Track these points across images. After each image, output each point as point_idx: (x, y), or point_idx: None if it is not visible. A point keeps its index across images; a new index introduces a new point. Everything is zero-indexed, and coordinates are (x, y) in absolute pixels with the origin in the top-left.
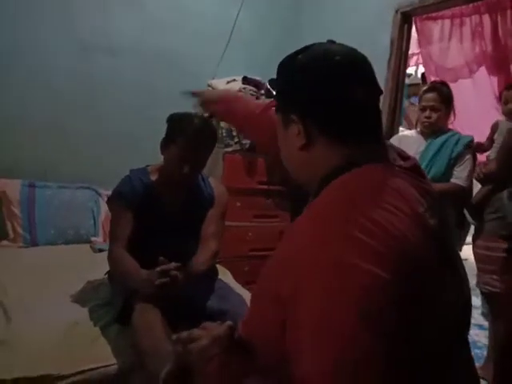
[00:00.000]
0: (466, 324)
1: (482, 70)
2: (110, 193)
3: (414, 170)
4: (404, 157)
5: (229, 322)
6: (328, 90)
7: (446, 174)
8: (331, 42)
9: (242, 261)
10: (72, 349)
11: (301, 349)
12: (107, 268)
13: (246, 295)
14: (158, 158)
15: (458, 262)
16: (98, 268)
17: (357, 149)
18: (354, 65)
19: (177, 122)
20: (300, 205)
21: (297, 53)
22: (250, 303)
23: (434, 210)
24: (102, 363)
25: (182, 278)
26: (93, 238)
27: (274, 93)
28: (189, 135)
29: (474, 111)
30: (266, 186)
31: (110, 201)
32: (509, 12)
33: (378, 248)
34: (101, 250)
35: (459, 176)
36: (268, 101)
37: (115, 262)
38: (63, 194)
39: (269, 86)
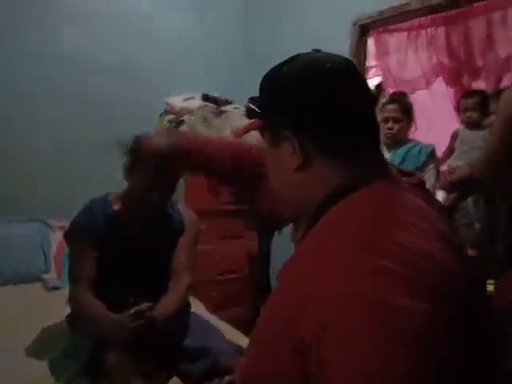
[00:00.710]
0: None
1: (439, 81)
2: (61, 224)
3: (421, 187)
4: (404, 172)
5: (228, 378)
6: (323, 100)
7: None
8: (316, 50)
9: (210, 286)
10: None
11: None
12: (62, 309)
13: (222, 327)
14: (118, 183)
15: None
16: (53, 309)
17: (360, 164)
18: (346, 72)
19: (139, 145)
20: (270, 222)
21: (282, 64)
22: (251, 351)
23: (450, 226)
24: None
25: (157, 318)
26: (44, 276)
27: (258, 111)
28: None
29: (433, 121)
30: (231, 206)
31: (69, 235)
32: (462, 26)
33: (417, 278)
34: (54, 288)
35: None
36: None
37: (79, 307)
38: (8, 230)
39: (251, 105)
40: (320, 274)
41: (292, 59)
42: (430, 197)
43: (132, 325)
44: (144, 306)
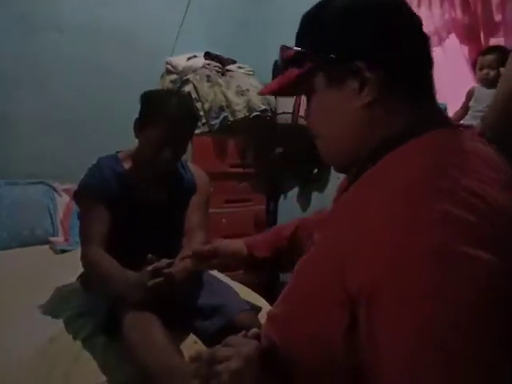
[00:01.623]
0: None
1: (453, 38)
2: (66, 187)
3: (482, 137)
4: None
5: (255, 330)
6: (393, 32)
7: None
8: None
9: None
10: (53, 369)
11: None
12: (72, 271)
13: (234, 286)
14: (118, 145)
15: None
16: (63, 272)
17: (426, 107)
18: (405, 5)
19: (154, 101)
20: (277, 186)
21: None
22: (288, 300)
23: None
24: (90, 382)
25: (176, 275)
26: (52, 238)
27: (309, 51)
28: (170, 115)
29: (447, 80)
30: (238, 169)
31: (78, 195)
32: None
33: (485, 228)
34: (63, 251)
35: None
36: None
37: (93, 265)
38: (13, 192)
39: (297, 48)
40: (374, 221)
41: None
42: (492, 147)
43: (151, 283)
44: (163, 262)
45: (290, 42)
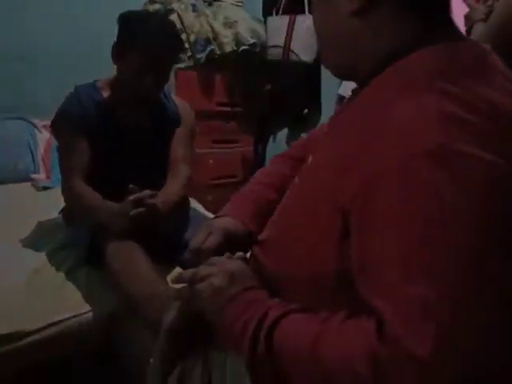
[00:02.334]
0: None
1: None
2: (45, 123)
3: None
4: None
5: (240, 254)
6: None
7: None
8: None
9: (204, 190)
10: (38, 300)
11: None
12: (55, 207)
13: None
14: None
15: None
16: (46, 208)
17: (435, 19)
18: None
19: (133, 23)
20: (266, 126)
21: None
22: (280, 223)
23: None
24: (74, 312)
25: (159, 206)
26: (33, 175)
27: None
28: (152, 37)
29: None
30: (225, 108)
31: (56, 125)
32: None
33: (490, 129)
34: (45, 188)
35: None
36: None
37: (75, 197)
38: None
39: None
40: (383, 123)
41: None
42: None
43: (133, 212)
44: (146, 192)
45: None
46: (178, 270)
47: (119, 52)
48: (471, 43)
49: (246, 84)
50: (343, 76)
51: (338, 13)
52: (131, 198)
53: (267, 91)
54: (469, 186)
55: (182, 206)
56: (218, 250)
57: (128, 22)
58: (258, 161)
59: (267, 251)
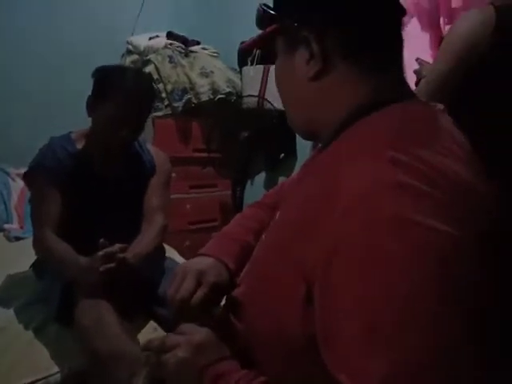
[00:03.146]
0: None
1: (415, 23)
2: (19, 172)
3: (445, 112)
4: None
5: (216, 310)
6: (357, 3)
7: None
8: None
9: (182, 236)
10: (2, 360)
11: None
12: (27, 259)
13: None
14: (76, 127)
15: None
16: (17, 259)
17: (387, 80)
18: None
19: (108, 76)
20: (243, 171)
21: None
22: (249, 280)
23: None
24: (41, 374)
25: (130, 260)
26: (6, 226)
27: (273, 12)
28: (126, 90)
29: (409, 65)
30: (202, 154)
31: (29, 176)
32: None
33: (440, 198)
34: (17, 239)
35: None
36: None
37: (45, 250)
38: None
39: (264, 7)
40: (334, 189)
41: None
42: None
43: (103, 268)
44: (115, 247)
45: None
46: (152, 324)
47: (94, 105)
48: (421, 105)
49: (222, 131)
50: (306, 137)
51: (297, 78)
52: (100, 253)
53: (244, 138)
54: (423, 255)
55: (156, 256)
56: (204, 305)
57: (103, 75)
58: (237, 204)
59: (237, 310)
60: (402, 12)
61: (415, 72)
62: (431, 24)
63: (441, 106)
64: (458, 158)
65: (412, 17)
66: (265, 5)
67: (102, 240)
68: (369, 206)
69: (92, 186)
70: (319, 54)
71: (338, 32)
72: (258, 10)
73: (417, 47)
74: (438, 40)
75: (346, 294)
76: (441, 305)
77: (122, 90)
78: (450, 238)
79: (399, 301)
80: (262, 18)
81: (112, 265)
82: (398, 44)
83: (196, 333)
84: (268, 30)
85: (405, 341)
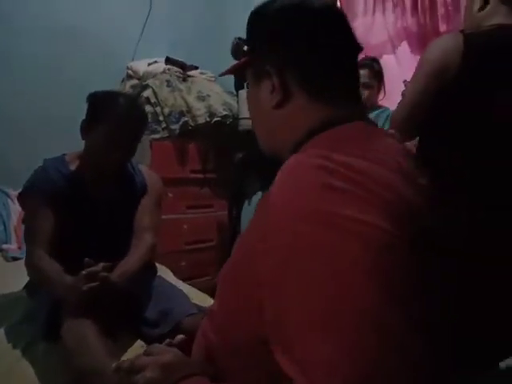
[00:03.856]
0: None
1: (406, 46)
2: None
3: (393, 136)
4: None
5: (179, 337)
6: (310, 37)
7: None
8: None
9: (178, 256)
10: None
11: (291, 337)
12: (23, 279)
13: (188, 290)
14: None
15: None
16: (13, 279)
17: (339, 108)
18: (335, 14)
19: (102, 101)
20: (240, 191)
21: (272, 0)
22: (219, 297)
23: (423, 172)
24: None
25: (114, 279)
26: (4, 246)
27: (245, 47)
28: (119, 115)
29: (398, 87)
30: (199, 175)
31: (23, 196)
32: None
33: (363, 195)
34: (15, 259)
35: None
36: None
37: (35, 268)
38: None
39: (238, 41)
40: (271, 206)
41: None
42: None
43: (85, 287)
44: (99, 266)
45: None
46: (139, 342)
47: (87, 128)
48: (364, 125)
49: (219, 152)
50: (274, 158)
51: (263, 106)
52: (84, 272)
53: (240, 158)
54: (353, 245)
55: (145, 275)
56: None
57: (96, 100)
58: (234, 224)
59: (212, 325)
60: (357, 48)
61: (402, 94)
62: (420, 47)
63: (389, 130)
64: (396, 169)
65: (402, 40)
66: (239, 38)
67: (86, 259)
68: (297, 203)
69: (84, 206)
70: (279, 86)
71: (295, 68)
72: (233, 43)
73: (406, 69)
74: None
75: (287, 290)
76: (376, 294)
77: (115, 115)
78: (379, 230)
79: (330, 287)
80: (236, 50)
81: (95, 284)
82: (351, 76)
83: (164, 353)
84: (241, 61)
85: (345, 324)
